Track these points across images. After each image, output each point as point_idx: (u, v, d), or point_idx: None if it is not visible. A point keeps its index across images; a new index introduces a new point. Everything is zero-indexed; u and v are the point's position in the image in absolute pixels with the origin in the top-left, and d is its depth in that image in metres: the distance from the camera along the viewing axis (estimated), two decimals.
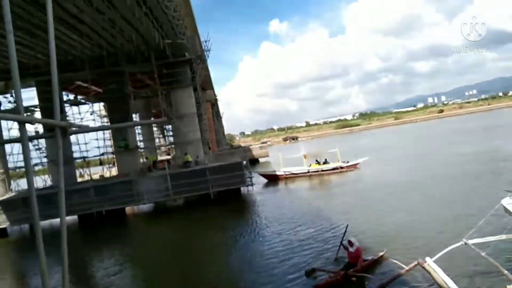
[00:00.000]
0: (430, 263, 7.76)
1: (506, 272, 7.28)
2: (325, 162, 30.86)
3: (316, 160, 31.29)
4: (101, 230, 20.44)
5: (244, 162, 24.07)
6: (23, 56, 22.56)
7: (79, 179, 27.51)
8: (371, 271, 9.49)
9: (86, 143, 28.34)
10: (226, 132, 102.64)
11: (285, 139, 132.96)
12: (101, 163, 30.67)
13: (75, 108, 30.09)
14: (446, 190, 18.36)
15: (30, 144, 21.73)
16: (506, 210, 8.84)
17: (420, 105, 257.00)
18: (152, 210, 24.10)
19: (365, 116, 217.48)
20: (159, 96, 27.00)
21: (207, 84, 48.91)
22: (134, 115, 34.10)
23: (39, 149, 25.52)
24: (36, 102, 26.28)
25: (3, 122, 24.63)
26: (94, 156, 29.25)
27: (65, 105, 27.61)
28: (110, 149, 29.38)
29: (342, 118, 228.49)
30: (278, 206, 20.37)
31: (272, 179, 30.48)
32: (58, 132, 2.65)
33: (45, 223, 19.35)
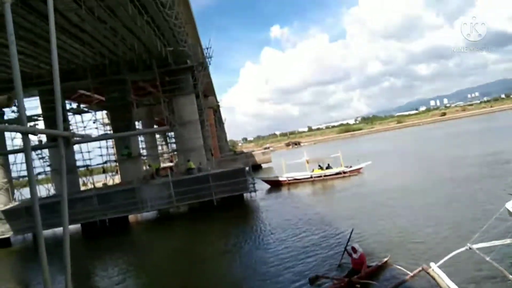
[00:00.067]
0: (434, 269, 7.70)
1: (511, 277, 7.22)
2: (328, 167, 30.81)
3: (319, 165, 31.25)
4: (105, 238, 20.41)
5: (247, 168, 24.10)
6: (26, 66, 22.74)
7: (82, 188, 27.58)
8: (375, 277, 9.42)
9: (89, 152, 28.54)
10: (228, 138, 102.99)
11: (287, 144, 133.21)
12: (104, 171, 30.78)
13: (78, 117, 30.26)
14: (450, 193, 18.27)
15: (33, 154, 21.83)
16: (510, 213, 8.79)
17: (423, 108, 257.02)
18: (156, 217, 24.08)
19: (367, 120, 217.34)
20: (161, 103, 27.12)
21: (209, 91, 49.10)
22: (137, 123, 34.27)
23: (42, 158, 25.64)
24: (39, 111, 26.43)
25: (7, 132, 24.76)
26: (97, 164, 29.39)
27: (68, 113, 27.77)
28: (113, 157, 29.47)
29: (344, 122, 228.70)
30: (282, 212, 20.32)
31: (275, 185, 30.43)
32: (61, 142, 2.66)
33: (48, 232, 19.36)
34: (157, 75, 25.28)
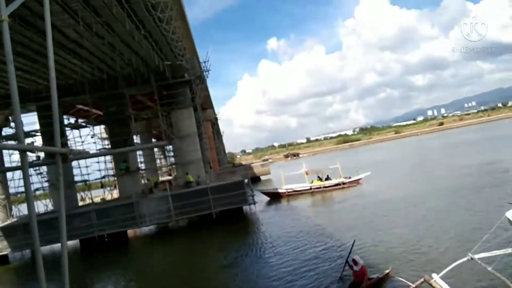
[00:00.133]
0: (436, 280, 7.63)
1: None
2: (327, 178, 30.77)
3: (318, 177, 31.20)
4: (103, 254, 20.21)
5: (246, 181, 23.98)
6: (24, 82, 22.80)
7: (80, 203, 27.39)
8: None
9: (87, 166, 28.39)
10: (227, 151, 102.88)
11: (286, 156, 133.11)
12: (102, 186, 30.60)
13: (76, 131, 30.20)
14: (449, 203, 18.23)
15: (31, 169, 21.74)
16: (511, 223, 8.76)
17: (420, 118, 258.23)
18: (155, 232, 23.89)
19: (365, 131, 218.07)
20: (159, 117, 27.17)
21: (207, 104, 49.25)
22: (135, 137, 34.24)
23: (40, 173, 25.50)
24: (37, 126, 26.40)
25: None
26: (95, 179, 29.19)
27: (66, 128, 27.73)
28: (111, 172, 29.34)
29: (342, 133, 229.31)
30: (282, 224, 20.21)
31: (274, 197, 30.32)
32: (59, 159, 2.67)
33: (46, 248, 19.17)
34: (155, 89, 25.39)
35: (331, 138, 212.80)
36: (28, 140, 25.37)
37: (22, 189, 24.46)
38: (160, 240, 22.49)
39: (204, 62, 33.03)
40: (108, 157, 30.23)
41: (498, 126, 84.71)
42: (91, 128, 30.91)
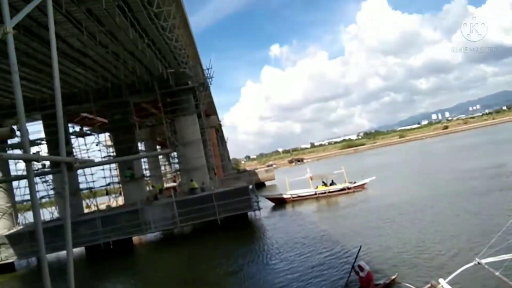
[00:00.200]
0: (443, 285, 7.56)
1: None
2: (332, 183, 30.68)
3: (323, 182, 31.11)
4: (109, 261, 20.23)
5: (250, 186, 23.95)
6: (29, 91, 23.03)
7: (85, 210, 27.49)
8: None
9: (92, 174, 28.52)
10: (231, 157, 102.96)
11: (290, 161, 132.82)
12: (108, 193, 30.69)
13: (80, 139, 30.40)
14: (455, 208, 18.11)
15: (37, 178, 21.88)
16: None
17: (424, 122, 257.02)
18: (160, 238, 23.89)
19: (369, 135, 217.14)
20: (163, 124, 27.28)
21: (211, 110, 49.39)
22: (139, 144, 34.36)
23: (46, 181, 25.63)
24: (42, 135, 26.60)
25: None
26: (101, 187, 29.32)
27: (71, 136, 27.91)
28: (116, 179, 29.45)
29: (346, 138, 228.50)
30: (287, 230, 20.14)
31: (279, 203, 30.26)
32: (64, 168, 2.69)
33: (52, 255, 19.23)
34: (159, 97, 25.52)
35: (335, 143, 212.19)
36: (34, 149, 25.60)
37: (28, 197, 24.61)
38: (165, 246, 22.49)
39: (207, 69, 33.18)
40: (113, 165, 30.38)
41: (503, 129, 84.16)
42: (96, 136, 31.14)
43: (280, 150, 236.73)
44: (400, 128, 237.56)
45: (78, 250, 21.41)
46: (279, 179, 49.53)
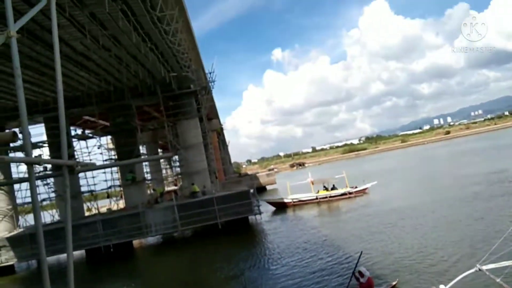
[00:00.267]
0: None
1: None
2: (333, 188, 30.60)
3: (324, 186, 31.05)
4: (109, 264, 20.21)
5: (251, 190, 23.91)
6: (32, 94, 23.14)
7: (86, 213, 27.49)
8: None
9: (93, 177, 28.55)
10: (232, 160, 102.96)
11: (292, 166, 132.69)
12: (109, 196, 30.71)
13: (82, 142, 30.48)
14: (457, 213, 18.06)
15: (38, 180, 21.90)
16: None
17: (426, 127, 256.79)
18: (160, 242, 23.86)
19: (371, 140, 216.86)
20: (165, 127, 27.35)
21: (213, 114, 49.47)
22: (141, 147, 34.43)
23: (47, 184, 25.68)
24: (44, 137, 26.68)
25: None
26: (102, 190, 29.33)
27: (73, 139, 27.99)
28: (117, 182, 29.48)
29: (348, 142, 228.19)
30: (288, 235, 20.09)
31: (280, 207, 30.20)
32: (66, 171, 2.71)
33: (52, 258, 19.22)
34: (161, 100, 25.62)
35: (337, 147, 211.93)
36: (36, 151, 25.65)
37: (29, 199, 24.62)
38: (166, 250, 22.46)
39: (210, 73, 33.28)
40: (115, 168, 30.40)
41: (505, 135, 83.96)
42: (98, 138, 31.22)
43: (281, 154, 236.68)
44: (402, 133, 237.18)
45: (79, 253, 21.40)
46: (281, 183, 49.50)
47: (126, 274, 17.97)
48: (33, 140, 25.76)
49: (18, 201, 25.41)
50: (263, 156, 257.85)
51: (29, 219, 25.52)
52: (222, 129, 67.13)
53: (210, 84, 33.20)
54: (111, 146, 34.27)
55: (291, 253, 15.69)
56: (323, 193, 30.29)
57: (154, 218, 22.01)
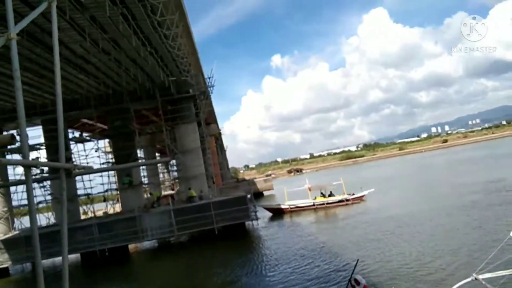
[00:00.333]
0: None
1: None
2: (331, 195, 30.59)
3: (321, 193, 31.03)
4: (104, 268, 20.08)
5: (249, 196, 23.88)
6: (31, 96, 23.09)
7: (82, 216, 27.36)
8: None
9: (90, 180, 28.42)
10: (230, 166, 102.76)
11: (289, 172, 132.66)
12: (105, 199, 30.58)
13: (80, 145, 30.38)
14: (454, 221, 18.06)
15: (35, 183, 21.82)
16: None
17: (424, 135, 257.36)
18: (156, 247, 23.73)
19: (369, 147, 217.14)
20: (163, 131, 27.31)
21: (211, 119, 49.49)
22: (138, 151, 34.36)
23: (43, 187, 25.56)
24: (41, 140, 26.60)
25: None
26: (98, 193, 29.23)
27: (71, 142, 27.90)
28: (114, 186, 29.37)
29: (346, 149, 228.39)
30: (284, 241, 20.03)
31: (277, 213, 30.14)
32: (63, 174, 2.70)
33: (47, 261, 19.07)
34: (160, 104, 25.60)
35: (335, 154, 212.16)
36: (33, 154, 25.55)
37: (25, 202, 24.47)
38: (161, 255, 22.34)
39: (209, 78, 33.33)
40: (112, 171, 30.32)
41: (503, 144, 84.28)
42: (96, 142, 31.13)
43: (279, 160, 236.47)
44: (399, 141, 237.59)
45: (74, 257, 21.27)
46: (278, 189, 49.41)
47: (121, 278, 17.86)
48: (31, 142, 25.67)
49: (14, 203, 25.25)
50: (261, 161, 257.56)
51: (25, 221, 25.36)
52: (220, 134, 67.13)
53: (209, 89, 33.25)
54: (108, 149, 34.18)
55: (288, 260, 15.63)
56: (320, 199, 30.27)
57: (150, 222, 21.92)
